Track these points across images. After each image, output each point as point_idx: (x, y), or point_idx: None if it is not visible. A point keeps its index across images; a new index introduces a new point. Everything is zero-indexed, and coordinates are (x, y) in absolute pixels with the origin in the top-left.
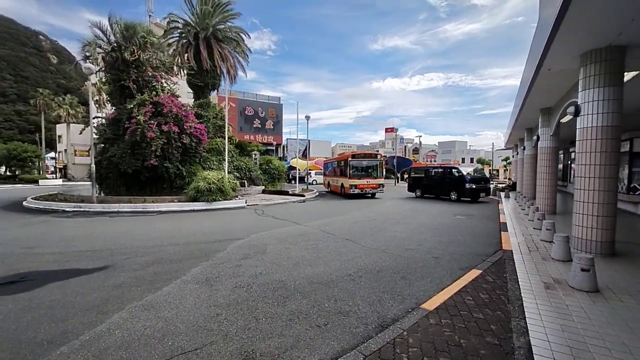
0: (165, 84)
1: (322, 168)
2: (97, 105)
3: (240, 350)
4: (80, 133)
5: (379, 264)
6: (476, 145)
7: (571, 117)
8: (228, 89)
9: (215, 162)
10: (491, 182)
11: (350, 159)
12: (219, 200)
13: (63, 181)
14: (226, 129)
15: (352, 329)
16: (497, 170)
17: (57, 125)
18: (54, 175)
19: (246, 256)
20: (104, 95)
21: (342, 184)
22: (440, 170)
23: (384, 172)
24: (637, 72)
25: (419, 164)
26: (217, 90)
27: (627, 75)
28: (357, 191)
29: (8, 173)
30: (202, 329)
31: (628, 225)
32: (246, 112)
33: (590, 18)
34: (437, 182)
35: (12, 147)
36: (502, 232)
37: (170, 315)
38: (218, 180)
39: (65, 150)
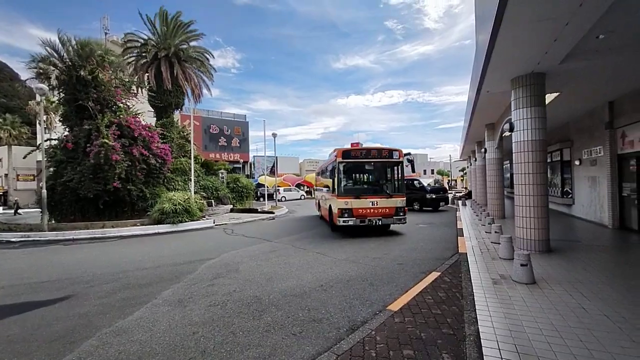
0: (127, 104)
1: (290, 184)
2: (45, 127)
3: None
4: (25, 157)
5: (349, 273)
6: (436, 157)
7: (508, 133)
8: (193, 107)
9: (180, 183)
10: (450, 191)
11: (339, 159)
12: (186, 222)
13: (3, 209)
14: (192, 148)
15: (325, 334)
16: (455, 180)
17: None
18: None
19: (218, 275)
20: (53, 115)
21: (330, 206)
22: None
23: (403, 183)
24: (556, 94)
25: None
26: (181, 109)
27: (549, 97)
28: (352, 221)
29: None
30: (180, 348)
31: (562, 225)
32: (211, 130)
33: (514, 48)
34: None
35: None
36: (458, 237)
37: (145, 338)
38: (184, 201)
39: (6, 174)
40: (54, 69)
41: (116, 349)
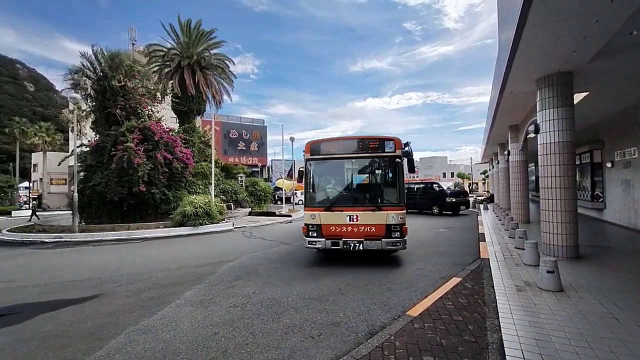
0: (151, 111)
1: None
2: (78, 134)
3: None
4: (59, 164)
5: (366, 277)
6: (456, 160)
7: (533, 134)
8: (213, 113)
9: (201, 186)
10: (470, 195)
11: (307, 155)
12: (206, 224)
13: (39, 211)
14: (212, 153)
15: (344, 338)
16: (476, 184)
17: (33, 154)
18: (27, 206)
19: (238, 277)
20: (83, 123)
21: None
22: (422, 185)
23: (402, 188)
24: (585, 94)
25: None
26: (202, 115)
27: (577, 97)
28: (320, 243)
29: None
30: (202, 348)
31: (592, 230)
32: (230, 135)
33: (540, 47)
34: (419, 198)
35: None
36: (480, 242)
37: (169, 337)
38: (205, 204)
39: (41, 179)
40: (86, 79)
41: (142, 346)
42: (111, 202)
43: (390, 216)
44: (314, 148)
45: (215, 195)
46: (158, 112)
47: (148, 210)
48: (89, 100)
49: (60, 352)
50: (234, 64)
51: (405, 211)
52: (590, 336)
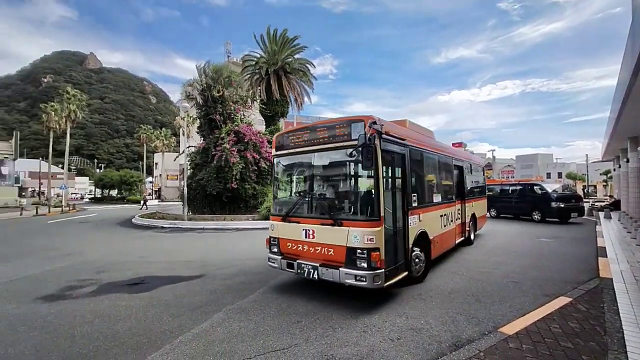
0: (243, 115)
1: None
2: (186, 137)
3: (320, 353)
4: (175, 160)
5: (450, 285)
6: (564, 157)
7: None
8: (295, 114)
9: None
10: (585, 199)
11: (274, 151)
12: None
13: (159, 202)
14: None
15: (425, 345)
16: (594, 186)
17: (155, 154)
18: (151, 197)
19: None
20: (191, 127)
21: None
22: (519, 187)
23: (379, 194)
24: None
25: (492, 181)
26: (285, 117)
27: None
28: (276, 263)
29: (119, 195)
30: (286, 333)
31: None
32: None
33: None
34: (515, 201)
35: (123, 173)
36: (599, 258)
37: (259, 319)
38: None
39: (160, 175)
40: (195, 90)
41: (237, 324)
42: (211, 195)
43: (352, 235)
44: (279, 141)
45: None
46: (248, 116)
47: (240, 204)
48: (196, 108)
49: (177, 319)
50: (314, 66)
51: (381, 228)
52: None
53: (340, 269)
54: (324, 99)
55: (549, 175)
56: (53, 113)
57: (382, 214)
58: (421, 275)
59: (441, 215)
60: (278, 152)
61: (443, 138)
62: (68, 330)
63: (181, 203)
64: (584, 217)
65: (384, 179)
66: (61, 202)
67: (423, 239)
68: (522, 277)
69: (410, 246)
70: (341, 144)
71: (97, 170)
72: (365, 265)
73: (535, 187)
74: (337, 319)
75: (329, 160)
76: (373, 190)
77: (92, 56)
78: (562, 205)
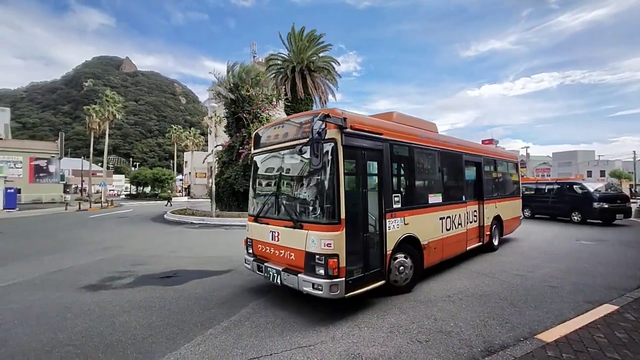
0: (269, 115)
1: None
2: (214, 136)
3: (347, 352)
4: (204, 161)
5: (481, 288)
6: (608, 154)
7: None
8: None
9: None
10: (633, 200)
11: (252, 148)
12: None
13: (188, 199)
14: None
15: (456, 349)
16: None
17: (185, 153)
18: (181, 194)
19: None
20: (218, 127)
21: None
22: (556, 186)
23: (339, 195)
24: None
25: (527, 180)
26: None
27: None
28: (249, 264)
29: (152, 192)
30: (312, 330)
31: None
32: None
33: None
34: (552, 201)
35: (155, 172)
36: None
37: (284, 315)
38: None
39: (190, 173)
40: (223, 90)
41: (264, 319)
42: (239, 193)
43: (310, 239)
44: (256, 138)
45: None
46: (273, 115)
47: None
48: (224, 108)
49: (207, 312)
50: (339, 64)
51: (340, 233)
52: None
53: (299, 275)
54: (348, 97)
55: (589, 174)
56: (94, 115)
57: (342, 216)
58: (408, 284)
59: (441, 218)
60: (254, 150)
61: (472, 135)
62: (109, 318)
63: (209, 200)
64: (631, 218)
65: (357, 178)
66: (101, 198)
67: (411, 245)
68: (561, 281)
69: (389, 252)
70: (304, 140)
71: (132, 169)
72: (322, 272)
73: (574, 186)
74: (363, 319)
75: (295, 158)
76: (331, 191)
77: (127, 60)
78: (606, 206)
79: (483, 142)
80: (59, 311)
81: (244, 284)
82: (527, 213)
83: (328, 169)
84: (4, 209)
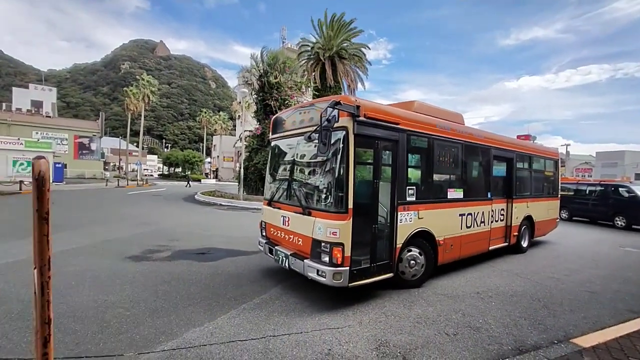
0: (297, 102)
1: None
2: (242, 122)
3: (375, 337)
4: (234, 145)
5: (512, 287)
6: None
7: None
8: None
9: None
10: None
11: (270, 134)
12: None
13: (216, 181)
14: None
15: (485, 345)
16: None
17: (214, 137)
18: (210, 176)
19: None
20: (246, 112)
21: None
22: (599, 188)
23: (348, 183)
24: None
25: (566, 179)
26: None
27: None
28: (261, 246)
29: (183, 173)
30: (340, 314)
31: None
32: None
33: None
34: (593, 203)
35: (186, 154)
36: None
37: (314, 297)
38: None
39: (218, 156)
40: (252, 76)
41: (294, 299)
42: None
43: (317, 227)
44: (273, 123)
45: None
46: (303, 102)
47: None
48: (253, 94)
49: (240, 289)
50: (369, 48)
51: (347, 222)
52: None
53: (305, 260)
54: (377, 85)
55: (638, 177)
56: (132, 96)
57: (350, 206)
58: (418, 279)
59: (461, 215)
60: (272, 135)
61: (507, 129)
62: (151, 286)
63: (236, 183)
64: None
65: (369, 168)
66: (137, 176)
67: (425, 239)
68: (601, 288)
69: (400, 246)
70: (315, 125)
71: (165, 150)
72: (327, 260)
73: (620, 189)
74: (390, 307)
75: (308, 145)
76: (340, 178)
77: (161, 44)
78: None
79: (518, 137)
80: (108, 276)
81: (272, 266)
82: (564, 215)
83: (338, 157)
84: (52, 182)
